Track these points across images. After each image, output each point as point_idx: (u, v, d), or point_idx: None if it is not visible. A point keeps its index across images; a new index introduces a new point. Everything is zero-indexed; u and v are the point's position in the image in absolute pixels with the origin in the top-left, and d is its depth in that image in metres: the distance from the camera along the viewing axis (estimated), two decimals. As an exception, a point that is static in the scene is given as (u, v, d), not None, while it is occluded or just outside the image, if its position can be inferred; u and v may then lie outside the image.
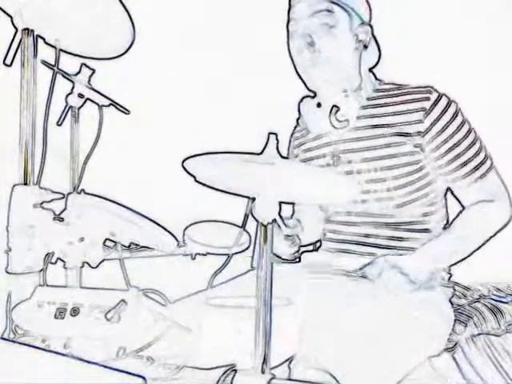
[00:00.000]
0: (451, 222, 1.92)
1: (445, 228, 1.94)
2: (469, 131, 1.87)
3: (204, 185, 1.70)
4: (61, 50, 1.96)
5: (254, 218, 1.59)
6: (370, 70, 1.97)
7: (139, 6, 2.01)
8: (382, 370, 1.72)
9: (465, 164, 1.86)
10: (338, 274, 1.90)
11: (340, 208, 1.96)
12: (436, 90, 1.88)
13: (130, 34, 1.99)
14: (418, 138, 1.86)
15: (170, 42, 2.24)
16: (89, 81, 1.97)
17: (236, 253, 1.92)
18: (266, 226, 1.56)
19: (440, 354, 1.85)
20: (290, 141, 2.09)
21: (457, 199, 1.91)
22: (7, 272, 1.85)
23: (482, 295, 1.99)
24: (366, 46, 1.93)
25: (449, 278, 1.93)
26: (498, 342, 1.88)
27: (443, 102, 1.87)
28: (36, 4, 1.92)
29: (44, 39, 1.96)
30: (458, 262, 1.90)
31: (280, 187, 1.60)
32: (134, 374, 1.56)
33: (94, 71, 1.98)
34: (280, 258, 1.96)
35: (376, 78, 1.98)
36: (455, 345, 1.86)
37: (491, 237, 1.88)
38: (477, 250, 1.88)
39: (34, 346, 1.67)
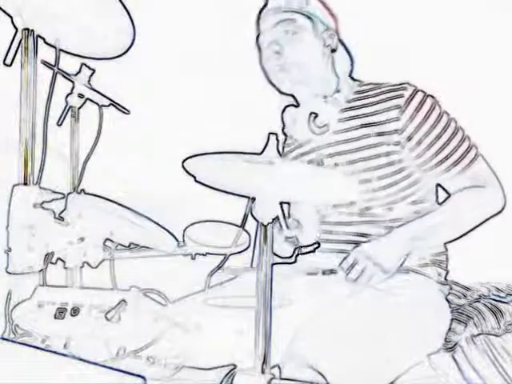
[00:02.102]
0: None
1: None
2: (448, 123, 1.88)
3: (204, 185, 1.70)
4: (61, 50, 1.96)
5: (254, 217, 1.59)
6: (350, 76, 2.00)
7: (139, 6, 2.01)
8: (373, 369, 1.73)
9: (448, 156, 1.87)
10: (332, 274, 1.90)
11: (334, 207, 1.96)
12: (411, 86, 1.90)
13: (130, 33, 1.99)
14: (396, 136, 1.87)
15: (169, 42, 2.24)
16: (89, 81, 1.97)
17: (235, 253, 1.92)
18: (266, 226, 1.56)
19: (440, 353, 1.85)
20: (282, 148, 2.10)
21: (447, 193, 1.91)
22: (7, 272, 1.85)
23: (482, 295, 1.99)
24: (334, 50, 1.98)
25: (445, 276, 1.93)
26: (497, 342, 1.88)
27: (418, 97, 1.88)
28: (36, 4, 1.92)
29: (44, 39, 1.96)
30: (452, 241, 1.89)
31: (280, 187, 1.60)
32: (134, 374, 1.56)
33: (93, 71, 1.98)
34: (277, 255, 1.97)
35: (354, 80, 2.01)
36: (455, 345, 1.86)
37: (482, 223, 1.87)
38: (465, 234, 1.87)
39: (34, 346, 1.67)
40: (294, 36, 1.94)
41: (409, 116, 1.87)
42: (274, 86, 2.01)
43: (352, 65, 2.00)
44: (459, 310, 1.92)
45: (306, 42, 1.95)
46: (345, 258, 1.86)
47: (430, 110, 1.87)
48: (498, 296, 1.99)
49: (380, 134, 1.89)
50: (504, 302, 1.96)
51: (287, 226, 1.91)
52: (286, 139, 2.09)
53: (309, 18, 1.95)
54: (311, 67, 1.96)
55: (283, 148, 2.09)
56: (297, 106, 2.00)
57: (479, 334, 1.88)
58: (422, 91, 1.89)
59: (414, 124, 1.87)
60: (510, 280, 2.04)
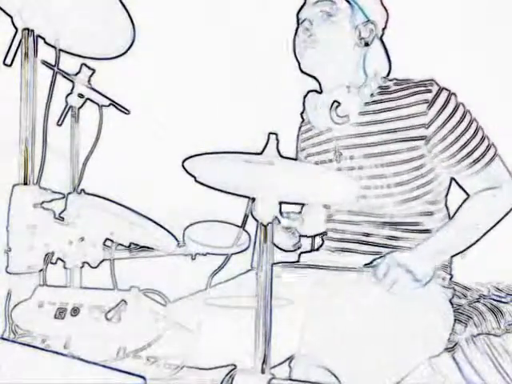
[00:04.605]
0: (455, 212, 1.92)
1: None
2: (470, 122, 1.88)
3: (204, 185, 1.70)
4: (61, 50, 1.96)
5: (254, 217, 1.59)
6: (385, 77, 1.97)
7: (139, 5, 2.01)
8: (382, 369, 1.73)
9: (470, 154, 1.87)
10: (338, 273, 1.90)
11: (341, 206, 1.96)
12: (437, 83, 1.89)
13: (130, 33, 1.99)
14: (422, 130, 1.86)
15: (170, 42, 2.24)
16: (89, 81, 1.97)
17: (235, 253, 1.92)
18: (266, 226, 1.56)
19: (440, 354, 1.85)
20: (298, 134, 2.10)
21: (463, 190, 1.91)
22: (7, 272, 1.85)
23: (482, 295, 1.99)
24: (367, 44, 1.94)
25: (450, 279, 1.93)
26: (497, 342, 1.88)
27: (445, 93, 1.88)
28: (36, 4, 1.91)
29: (44, 39, 1.96)
30: (464, 250, 1.90)
31: (280, 187, 1.60)
32: (134, 374, 1.56)
33: (94, 71, 1.98)
34: (277, 247, 1.98)
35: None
36: (455, 345, 1.86)
37: (497, 223, 1.88)
38: (483, 236, 1.88)
39: (34, 346, 1.67)
40: (328, 18, 1.91)
41: (436, 111, 1.86)
42: (298, 63, 1.98)
43: (389, 68, 1.98)
44: (459, 310, 1.92)
45: (338, 27, 1.92)
46: (376, 266, 1.85)
47: (455, 108, 1.87)
48: (498, 296, 1.99)
49: (403, 129, 1.88)
50: (504, 302, 1.96)
51: (283, 217, 1.92)
52: (302, 121, 2.09)
53: (349, 3, 1.92)
54: (337, 53, 1.93)
55: (299, 129, 2.10)
56: (320, 92, 1.98)
57: (479, 334, 1.88)
58: (447, 89, 1.89)
59: (440, 119, 1.86)
60: (510, 280, 2.04)
